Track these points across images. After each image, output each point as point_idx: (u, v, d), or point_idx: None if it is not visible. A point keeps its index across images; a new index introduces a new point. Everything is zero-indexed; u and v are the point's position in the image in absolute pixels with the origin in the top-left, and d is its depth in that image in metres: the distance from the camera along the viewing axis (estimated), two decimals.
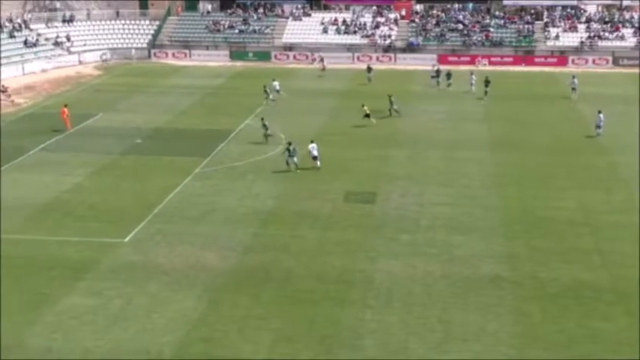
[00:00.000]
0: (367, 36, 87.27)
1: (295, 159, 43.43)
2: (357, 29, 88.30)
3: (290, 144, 43.98)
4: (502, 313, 27.51)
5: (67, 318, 27.07)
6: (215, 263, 31.60)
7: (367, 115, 54.83)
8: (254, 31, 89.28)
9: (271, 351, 25.19)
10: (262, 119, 50.97)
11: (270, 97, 62.28)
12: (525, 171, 43.61)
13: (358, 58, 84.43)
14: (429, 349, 25.30)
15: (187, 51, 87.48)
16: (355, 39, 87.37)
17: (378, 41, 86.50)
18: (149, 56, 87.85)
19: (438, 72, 69.31)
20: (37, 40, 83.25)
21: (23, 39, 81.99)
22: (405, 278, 30.12)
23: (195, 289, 29.31)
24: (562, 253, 32.34)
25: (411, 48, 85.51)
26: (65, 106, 54.82)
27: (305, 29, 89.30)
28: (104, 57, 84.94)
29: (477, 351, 25.20)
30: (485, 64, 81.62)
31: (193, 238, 34.24)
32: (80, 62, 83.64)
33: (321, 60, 79.35)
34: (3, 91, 64.23)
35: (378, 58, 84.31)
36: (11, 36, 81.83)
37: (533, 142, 49.68)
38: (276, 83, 64.83)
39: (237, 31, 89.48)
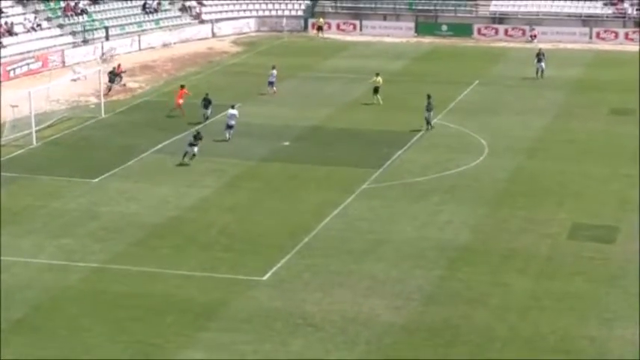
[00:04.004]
0: (613, 3, 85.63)
1: (195, 149, 47.85)
2: None
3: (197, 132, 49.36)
4: None
5: None
6: (384, 316, 31.85)
7: (376, 90, 58.16)
8: None
9: None
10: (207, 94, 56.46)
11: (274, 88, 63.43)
12: None
13: (598, 34, 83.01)
14: None
15: (357, 22, 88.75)
16: (595, 8, 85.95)
17: (629, 11, 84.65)
18: (305, 28, 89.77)
19: None
20: (158, 4, 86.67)
21: (141, 2, 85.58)
22: None
23: (355, 349, 29.64)
24: None
25: None
26: (182, 87, 58.31)
27: None
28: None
29: None
30: None
31: (355, 279, 34.66)
32: (214, 35, 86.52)
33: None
34: (117, 74, 65.36)
35: (626, 35, 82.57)
36: None
37: None
38: (274, 72, 63.97)
39: None
